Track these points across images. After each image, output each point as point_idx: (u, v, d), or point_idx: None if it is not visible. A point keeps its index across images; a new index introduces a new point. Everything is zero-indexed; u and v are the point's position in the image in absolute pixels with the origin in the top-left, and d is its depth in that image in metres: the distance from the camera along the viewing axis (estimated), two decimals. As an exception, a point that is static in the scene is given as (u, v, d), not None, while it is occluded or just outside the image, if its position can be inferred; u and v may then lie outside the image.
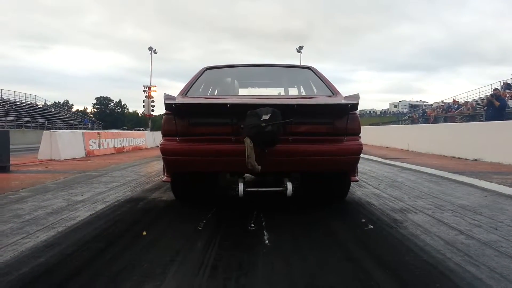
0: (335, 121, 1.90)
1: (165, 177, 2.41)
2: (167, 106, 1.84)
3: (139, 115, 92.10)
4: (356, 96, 2.01)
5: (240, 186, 2.18)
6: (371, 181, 4.85)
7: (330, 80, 2.47)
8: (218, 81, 2.72)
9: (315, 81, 2.64)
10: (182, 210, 3.24)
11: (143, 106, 27.20)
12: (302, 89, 2.73)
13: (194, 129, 1.96)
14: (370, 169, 6.28)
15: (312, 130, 1.90)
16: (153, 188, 4.41)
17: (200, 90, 2.57)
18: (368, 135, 15.98)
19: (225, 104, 1.79)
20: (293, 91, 2.71)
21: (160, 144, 2.13)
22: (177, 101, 2.00)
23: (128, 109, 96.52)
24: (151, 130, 26.83)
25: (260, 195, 3.11)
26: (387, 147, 12.94)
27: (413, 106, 53.19)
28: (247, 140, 1.97)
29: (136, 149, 12.80)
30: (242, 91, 2.89)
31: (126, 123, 75.24)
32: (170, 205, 3.45)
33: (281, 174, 2.05)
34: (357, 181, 2.80)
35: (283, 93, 2.57)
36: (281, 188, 2.20)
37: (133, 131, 19.92)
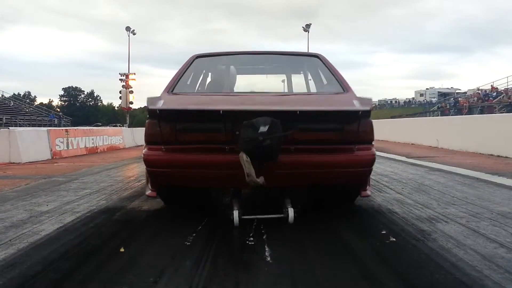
0: (344, 127, 1.85)
1: (150, 191, 2.36)
2: (151, 112, 1.80)
3: (115, 108, 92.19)
4: (369, 101, 1.97)
5: (235, 213, 2.14)
6: (393, 185, 4.87)
7: (340, 72, 2.39)
8: (210, 73, 2.59)
9: (323, 73, 2.55)
10: (168, 221, 3.25)
11: (120, 98, 27.25)
12: (308, 84, 2.60)
13: (182, 136, 1.88)
14: (392, 170, 6.30)
15: (317, 138, 1.83)
16: (132, 195, 4.42)
17: (189, 83, 2.47)
18: (390, 130, 16.03)
19: (218, 111, 1.73)
20: (297, 86, 2.53)
21: (144, 154, 2.09)
22: (161, 106, 1.88)
23: (102, 102, 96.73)
24: (129, 126, 26.87)
25: (259, 204, 3.29)
26: (412, 143, 12.96)
27: (443, 95, 53.29)
28: (243, 156, 1.90)
29: (112, 149, 12.82)
30: (239, 85, 2.68)
31: (99, 119, 75.40)
32: (153, 215, 3.47)
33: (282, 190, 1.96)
34: (369, 195, 2.71)
35: (285, 89, 2.37)
36: (282, 215, 2.15)
37: (108, 128, 19.92)
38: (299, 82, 2.87)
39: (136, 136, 15.77)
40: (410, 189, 4.56)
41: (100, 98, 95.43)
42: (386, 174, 5.86)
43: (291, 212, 2.16)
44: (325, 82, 2.48)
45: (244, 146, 1.89)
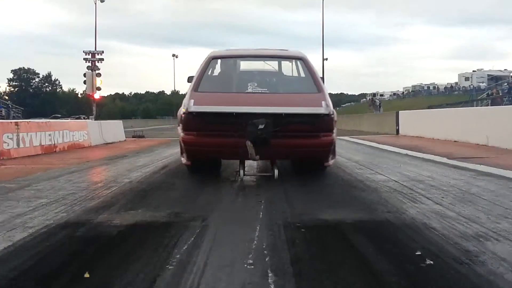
0: (313, 122, 3.29)
1: (185, 161, 4.47)
2: (189, 113, 3.38)
3: (79, 96, 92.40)
4: (329, 107, 3.65)
5: (241, 172, 4.08)
6: (430, 193, 4.90)
7: (317, 73, 4.03)
8: (224, 75, 4.62)
9: (304, 75, 4.45)
10: (145, 237, 3.29)
11: (85, 82, 27.24)
12: (292, 85, 4.61)
13: (207, 126, 3.38)
14: (429, 174, 6.33)
15: (296, 129, 3.34)
16: (100, 206, 4.46)
17: (208, 81, 4.29)
18: (426, 123, 16.04)
19: (231, 113, 3.29)
20: (283, 83, 4.75)
21: (182, 137, 3.82)
22: (193, 108, 3.55)
23: (61, 88, 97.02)
24: (96, 118, 26.91)
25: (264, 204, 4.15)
26: (455, 141, 12.98)
27: (494, 79, 53.08)
28: (248, 143, 3.65)
29: (75, 147, 12.86)
30: (246, 68, 4.91)
31: (59, 109, 75.51)
32: (126, 231, 3.51)
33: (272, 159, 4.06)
34: (330, 165, 4.87)
35: (290, 88, 4.70)
36: (270, 174, 4.07)
37: (69, 120, 20.00)
38: (287, 77, 5.05)
39: (105, 131, 15.77)
40: (452, 199, 4.58)
41: (59, 82, 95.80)
42: (422, 179, 5.89)
43: (276, 172, 4.03)
44: (305, 84, 4.20)
45: (249, 137, 3.62)
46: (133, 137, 18.85)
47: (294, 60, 5.71)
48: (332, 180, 6.02)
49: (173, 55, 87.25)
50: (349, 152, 10.60)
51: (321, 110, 4.67)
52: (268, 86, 5.25)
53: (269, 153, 4.65)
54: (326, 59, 56.53)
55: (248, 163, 5.71)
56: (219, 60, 5.81)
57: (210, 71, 5.48)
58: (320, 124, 4.67)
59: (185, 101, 5.01)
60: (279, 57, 5.90)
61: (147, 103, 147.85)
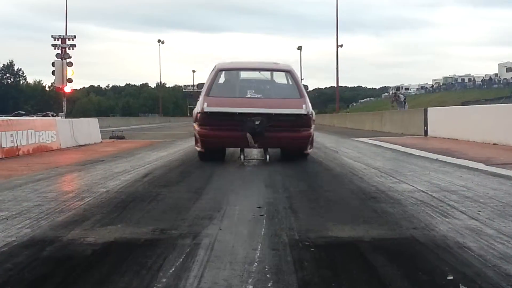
0: (295, 120, 5.04)
1: (200, 149, 6.26)
2: (204, 113, 5.54)
3: (46, 89, 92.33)
4: (308, 109, 6.03)
5: (242, 156, 6.14)
6: (465, 206, 4.92)
7: (301, 82, 6.44)
8: (229, 83, 6.21)
9: (290, 84, 6.25)
10: (125, 258, 3.29)
11: (53, 73, 27.21)
12: (281, 91, 6.43)
13: (218, 122, 5.09)
14: (463, 184, 6.34)
15: (283, 125, 5.14)
16: (71, 220, 4.48)
17: (217, 88, 5.84)
18: (460, 122, 16.03)
19: (235, 113, 5.26)
20: (275, 88, 6.65)
21: (198, 130, 5.81)
22: (207, 108, 5.54)
23: (26, 79, 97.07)
24: (67, 116, 26.91)
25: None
26: (494, 144, 12.98)
27: (541, 70, 53.03)
28: (248, 134, 5.71)
29: (41, 150, 12.87)
30: (246, 76, 6.84)
31: (22, 105, 75.55)
32: (102, 250, 3.53)
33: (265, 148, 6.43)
34: (309, 153, 6.80)
35: (279, 93, 6.78)
36: (263, 159, 6.37)
37: (35, 118, 19.99)
38: (277, 85, 6.96)
39: (77, 131, 15.78)
40: (490, 213, 4.59)
41: (23, 73, 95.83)
42: (455, 189, 5.90)
43: (267, 157, 6.10)
44: (290, 91, 5.97)
45: (249, 130, 5.62)
46: (111, 138, 18.88)
47: (283, 72, 8.29)
48: (348, 190, 6.05)
49: (159, 41, 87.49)
50: (368, 156, 10.62)
51: (302, 111, 7.10)
52: (262, 92, 7.67)
53: (263, 142, 7.14)
54: (341, 45, 56.89)
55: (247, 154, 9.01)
56: (224, 71, 8.34)
57: (218, 80, 7.88)
58: (301, 122, 7.08)
59: (199, 103, 7.42)
60: (272, 69, 8.50)
61: (128, 98, 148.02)
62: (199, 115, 7.45)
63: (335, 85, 64.51)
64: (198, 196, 5.69)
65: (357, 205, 5.11)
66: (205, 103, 7.33)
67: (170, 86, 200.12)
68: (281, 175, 7.42)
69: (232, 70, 8.64)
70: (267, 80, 8.54)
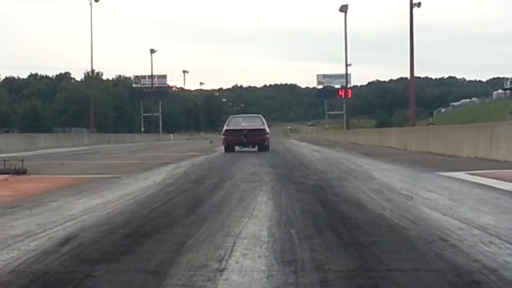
0: (261, 131, 44.07)
1: (224, 148, 44.69)
2: (227, 130, 44.51)
3: None
4: (264, 126, 46.43)
5: (235, 147, 44.30)
6: None
7: (264, 120, 47.73)
8: (235, 120, 47.67)
9: (259, 119, 47.69)
10: None
11: None
12: (254, 122, 46.87)
13: (230, 133, 43.12)
14: None
15: (256, 133, 43.29)
16: None
17: (229, 124, 45.47)
18: None
19: (239, 129, 43.44)
20: (255, 122, 46.75)
21: (223, 137, 44.59)
22: (227, 128, 44.71)
23: None
24: None
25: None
26: None
27: None
28: (242, 137, 42.47)
29: None
30: (242, 123, 47.37)
31: None
32: None
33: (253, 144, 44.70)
34: (268, 148, 44.74)
35: (259, 123, 47.01)
36: (254, 149, 44.62)
37: None
38: (254, 119, 49.03)
39: None
40: None
41: None
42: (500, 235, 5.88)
43: (256, 148, 43.64)
44: (258, 121, 47.08)
45: (242, 135, 42.23)
46: (2, 173, 18.89)
47: (258, 116, 49.62)
48: (434, 269, 6.09)
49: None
50: (468, 206, 10.66)
51: (264, 127, 44.57)
52: (248, 122, 45.46)
53: (248, 142, 42.68)
54: (418, 4, 57.95)
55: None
56: (232, 117, 48.33)
57: (230, 120, 45.99)
58: (260, 132, 43.65)
59: (225, 127, 44.30)
60: (252, 116, 55.31)
61: (34, 100, 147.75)
62: (224, 131, 42.31)
63: (408, 76, 64.49)
64: (158, 280, 5.70)
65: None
66: (226, 127, 42.49)
67: (110, 79, 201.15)
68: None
69: (236, 116, 49.48)
70: (250, 118, 49.17)
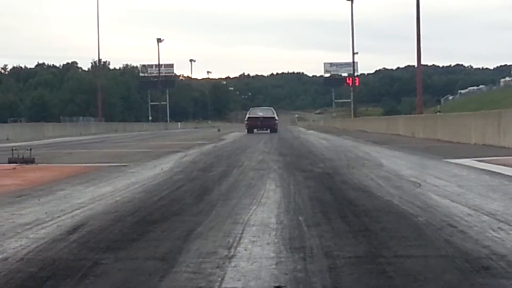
0: (273, 118, 69.02)
1: (247, 130, 70.29)
2: (249, 118, 71.91)
3: None
4: (275, 116, 72.27)
5: (255, 130, 68.27)
6: None
7: (275, 112, 74.91)
8: (254, 111, 73.02)
9: (271, 111, 73.76)
10: None
11: None
12: (271, 112, 73.38)
13: (251, 119, 68.91)
14: None
15: (269, 120, 68.21)
16: None
17: (250, 113, 72.69)
18: None
19: (256, 116, 70.00)
20: (268, 112, 72.91)
21: (246, 122, 71.96)
22: (248, 116, 72.46)
23: None
24: None
25: None
26: None
27: None
28: (259, 122, 68.61)
29: None
30: (258, 113, 73.59)
31: None
32: None
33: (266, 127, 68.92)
34: (276, 130, 67.64)
35: (270, 113, 73.70)
36: (267, 131, 67.69)
37: None
38: (269, 111, 74.84)
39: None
40: None
41: None
42: None
43: (269, 130, 66.40)
44: (271, 112, 74.00)
45: (258, 122, 68.89)
46: (10, 162, 18.92)
47: (270, 108, 77.04)
48: (442, 254, 6.09)
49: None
50: (476, 193, 10.68)
51: (274, 116, 69.23)
52: (263, 112, 71.22)
53: (263, 125, 67.78)
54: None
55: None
56: (252, 109, 76.08)
57: (250, 111, 72.96)
58: (272, 119, 67.69)
59: (247, 115, 71.37)
60: (266, 109, 77.72)
61: (41, 90, 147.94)
62: (248, 117, 68.98)
63: (415, 63, 64.38)
64: (167, 267, 5.70)
65: (457, 284, 5.09)
66: (248, 115, 69.34)
67: (117, 68, 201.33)
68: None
69: (255, 107, 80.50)
70: (264, 109, 74.40)
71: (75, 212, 9.15)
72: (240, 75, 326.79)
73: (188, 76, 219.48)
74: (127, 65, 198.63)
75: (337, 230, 7.53)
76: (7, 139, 37.35)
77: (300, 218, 8.39)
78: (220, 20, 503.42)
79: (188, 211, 9.30)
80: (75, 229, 7.69)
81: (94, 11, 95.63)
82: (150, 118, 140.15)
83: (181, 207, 9.74)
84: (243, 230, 7.58)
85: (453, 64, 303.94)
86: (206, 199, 10.60)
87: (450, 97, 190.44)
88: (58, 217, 8.70)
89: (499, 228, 7.28)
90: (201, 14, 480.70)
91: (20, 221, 8.41)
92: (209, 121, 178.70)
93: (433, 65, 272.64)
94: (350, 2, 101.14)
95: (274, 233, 7.38)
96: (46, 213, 9.09)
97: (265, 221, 8.18)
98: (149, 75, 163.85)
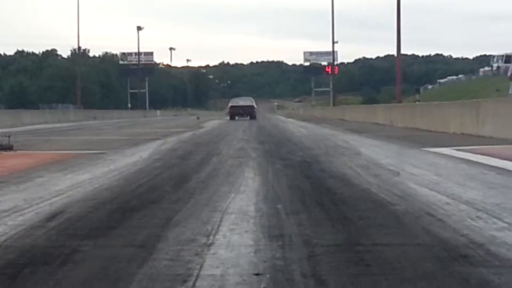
0: (251, 107, 78.52)
1: (228, 117, 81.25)
2: (231, 106, 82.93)
3: None
4: (253, 104, 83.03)
5: (236, 117, 76.84)
6: None
7: (254, 101, 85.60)
8: (235, 100, 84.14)
9: (251, 100, 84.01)
10: None
11: None
12: (250, 101, 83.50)
13: (233, 107, 79.12)
14: None
15: (248, 108, 77.85)
16: None
17: (232, 102, 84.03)
18: None
19: (237, 105, 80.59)
20: (248, 101, 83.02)
21: (229, 110, 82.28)
22: (231, 105, 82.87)
23: None
24: None
25: None
26: None
27: None
28: (240, 110, 78.38)
29: None
30: (239, 102, 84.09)
31: None
32: None
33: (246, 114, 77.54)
34: (255, 117, 76.87)
35: (250, 101, 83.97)
36: (248, 117, 77.24)
37: None
38: (248, 100, 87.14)
39: None
40: None
41: None
42: None
43: (248, 117, 75.21)
44: (250, 101, 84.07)
45: (240, 110, 78.68)
46: (-12, 148, 18.85)
47: (250, 98, 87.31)
48: (420, 243, 6.11)
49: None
50: (454, 182, 10.76)
51: (253, 104, 78.80)
52: (243, 102, 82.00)
53: (243, 113, 76.16)
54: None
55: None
56: (234, 98, 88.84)
57: (232, 100, 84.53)
58: (251, 107, 76.81)
59: (229, 104, 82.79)
60: (246, 97, 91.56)
61: (20, 77, 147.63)
62: (229, 106, 78.84)
63: (395, 53, 64.51)
64: (146, 254, 5.70)
65: (435, 272, 5.11)
66: (230, 103, 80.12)
67: (97, 56, 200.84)
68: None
69: (236, 97, 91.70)
70: (244, 99, 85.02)
71: (54, 199, 9.13)
72: (220, 63, 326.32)
73: (168, 64, 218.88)
74: (106, 52, 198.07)
75: (315, 218, 7.56)
76: (-15, 125, 37.01)
77: (278, 206, 8.40)
78: (201, 9, 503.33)
79: (166, 198, 9.30)
80: (53, 216, 7.68)
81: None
82: (129, 105, 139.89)
83: (160, 194, 9.74)
84: (221, 218, 7.59)
85: (432, 53, 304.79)
86: (184, 186, 10.60)
87: (429, 87, 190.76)
88: (37, 204, 8.68)
89: (477, 217, 7.33)
90: (182, 2, 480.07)
91: (-3, 207, 8.40)
92: (188, 109, 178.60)
93: (413, 54, 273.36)
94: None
95: (252, 221, 7.39)
96: (24, 200, 9.07)
97: (243, 209, 8.20)
98: (129, 63, 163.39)
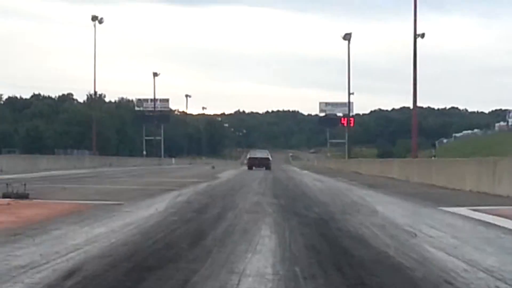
0: (267, 158, 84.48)
1: (247, 167, 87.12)
2: (249, 158, 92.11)
3: None
4: (269, 157, 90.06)
5: (253, 167, 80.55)
6: None
7: (269, 154, 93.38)
8: (253, 152, 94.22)
9: (267, 152, 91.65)
10: None
11: None
12: (266, 154, 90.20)
13: (250, 159, 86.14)
14: None
15: (264, 160, 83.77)
16: None
17: (250, 154, 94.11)
18: None
19: (254, 157, 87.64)
20: (264, 154, 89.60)
21: (247, 161, 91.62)
22: (249, 156, 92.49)
23: None
24: None
25: None
26: None
27: None
28: (257, 162, 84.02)
29: None
30: (256, 154, 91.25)
31: None
32: None
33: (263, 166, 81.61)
34: (270, 168, 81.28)
35: (266, 154, 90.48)
36: (264, 168, 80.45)
37: None
38: (264, 152, 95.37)
39: None
40: None
41: None
42: None
43: (264, 168, 79.33)
44: (267, 153, 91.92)
45: (257, 161, 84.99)
46: (4, 196, 18.89)
47: (266, 151, 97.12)
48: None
49: (94, 19, 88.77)
50: (472, 246, 10.74)
51: (268, 156, 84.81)
52: (260, 154, 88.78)
53: (259, 164, 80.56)
54: (422, 35, 58.62)
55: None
56: (252, 150, 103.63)
57: (250, 152, 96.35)
58: (267, 159, 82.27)
59: (248, 155, 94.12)
60: (263, 150, 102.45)
61: (36, 121, 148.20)
62: (248, 157, 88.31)
63: (411, 105, 64.57)
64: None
65: None
66: (249, 155, 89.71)
67: (112, 101, 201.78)
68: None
69: (253, 148, 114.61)
70: (261, 151, 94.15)
71: (70, 255, 9.12)
72: (235, 112, 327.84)
73: (183, 111, 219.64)
74: (122, 98, 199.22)
75: (333, 282, 7.55)
76: (1, 170, 37.29)
77: (296, 268, 8.37)
78: (217, 57, 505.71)
79: (183, 257, 9.27)
80: (70, 274, 7.68)
81: (91, 44, 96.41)
82: (144, 152, 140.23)
83: (177, 252, 9.72)
84: (239, 280, 7.56)
85: (448, 106, 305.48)
86: (201, 244, 10.57)
87: (445, 140, 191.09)
88: (53, 259, 8.67)
89: (496, 286, 7.29)
90: (198, 49, 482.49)
91: (15, 263, 8.39)
92: (203, 157, 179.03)
93: (428, 107, 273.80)
94: (347, 41, 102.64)
95: (270, 285, 7.37)
96: (41, 255, 9.07)
97: (261, 271, 8.16)
98: (145, 109, 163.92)
